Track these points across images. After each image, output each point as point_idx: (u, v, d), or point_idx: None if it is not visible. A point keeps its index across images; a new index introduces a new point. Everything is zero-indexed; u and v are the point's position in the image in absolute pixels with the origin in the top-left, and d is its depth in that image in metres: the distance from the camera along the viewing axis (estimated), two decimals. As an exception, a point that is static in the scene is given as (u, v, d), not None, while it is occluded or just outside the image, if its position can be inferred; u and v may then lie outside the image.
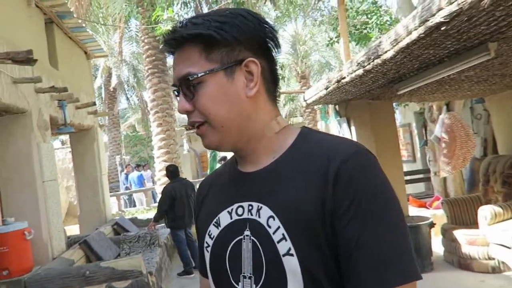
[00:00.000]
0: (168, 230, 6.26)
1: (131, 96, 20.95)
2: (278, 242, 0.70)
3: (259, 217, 0.73)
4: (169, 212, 5.58)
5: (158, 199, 7.86)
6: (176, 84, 0.77)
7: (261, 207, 0.74)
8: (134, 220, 7.61)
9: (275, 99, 0.80)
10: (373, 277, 0.64)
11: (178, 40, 0.75)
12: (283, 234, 0.70)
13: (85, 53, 7.33)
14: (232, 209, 0.78)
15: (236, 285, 0.75)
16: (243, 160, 0.80)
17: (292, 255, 0.69)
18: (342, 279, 0.69)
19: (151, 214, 7.71)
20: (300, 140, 0.77)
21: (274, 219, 0.71)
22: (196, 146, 17.22)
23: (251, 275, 0.73)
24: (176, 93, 0.78)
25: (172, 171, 5.76)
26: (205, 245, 0.82)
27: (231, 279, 0.76)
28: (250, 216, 0.75)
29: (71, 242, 5.50)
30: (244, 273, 0.74)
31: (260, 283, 0.72)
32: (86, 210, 6.87)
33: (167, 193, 5.54)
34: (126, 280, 3.85)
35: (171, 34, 0.76)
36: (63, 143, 17.40)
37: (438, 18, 1.92)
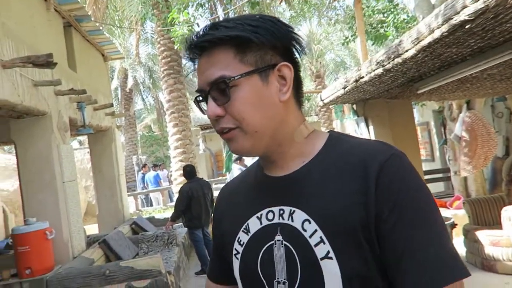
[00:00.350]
0: (186, 229, 6.30)
1: (146, 97, 21.18)
2: (316, 245, 0.69)
3: (292, 221, 0.72)
4: (186, 212, 5.61)
5: (174, 199, 7.92)
6: (203, 89, 0.74)
7: (294, 211, 0.73)
8: (151, 220, 7.68)
9: (300, 104, 0.80)
10: (426, 277, 0.64)
11: (212, 42, 0.72)
12: (320, 237, 0.69)
13: (102, 55, 7.43)
14: (261, 214, 0.77)
15: None
16: (271, 164, 0.79)
17: (331, 258, 0.68)
18: (383, 283, 0.68)
19: (168, 213, 7.77)
20: (331, 144, 0.77)
21: (310, 223, 0.70)
22: (211, 145, 17.31)
23: (285, 281, 0.72)
24: (200, 99, 0.76)
25: (189, 171, 5.79)
26: (234, 252, 0.80)
27: (265, 285, 0.75)
28: (281, 221, 0.74)
29: (90, 241, 5.58)
30: (278, 278, 0.73)
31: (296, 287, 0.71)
32: (105, 210, 6.96)
33: (184, 193, 5.57)
34: (145, 279, 3.88)
35: (203, 37, 0.73)
36: (81, 143, 17.70)
37: (462, 16, 1.87)
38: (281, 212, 0.74)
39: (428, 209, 0.68)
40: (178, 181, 10.23)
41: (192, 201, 5.54)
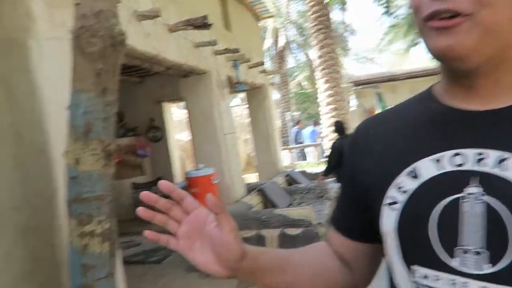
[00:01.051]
0: (338, 184, 6.32)
1: (297, 55, 21.44)
2: None
3: (505, 169, 0.54)
4: (337, 167, 5.60)
5: (325, 155, 8.01)
6: None
7: (507, 157, 0.54)
8: (304, 173, 7.94)
9: None
10: None
11: None
12: None
13: (254, 15, 7.71)
14: (442, 157, 0.59)
15: (446, 262, 0.56)
16: (467, 91, 0.61)
17: None
18: None
19: (321, 168, 7.90)
20: None
21: None
22: (364, 102, 16.65)
23: (481, 250, 0.54)
24: None
25: (339, 127, 5.73)
26: (388, 200, 0.62)
27: (437, 253, 0.57)
28: (479, 168, 0.56)
29: (250, 188, 6.11)
30: (463, 245, 0.55)
31: (506, 262, 0.52)
32: (262, 162, 7.51)
33: (335, 148, 5.54)
34: (298, 228, 4.07)
35: None
36: (242, 100, 19.19)
37: None
38: (480, 156, 0.56)
39: None
40: (329, 137, 10.25)
41: (343, 156, 5.46)
